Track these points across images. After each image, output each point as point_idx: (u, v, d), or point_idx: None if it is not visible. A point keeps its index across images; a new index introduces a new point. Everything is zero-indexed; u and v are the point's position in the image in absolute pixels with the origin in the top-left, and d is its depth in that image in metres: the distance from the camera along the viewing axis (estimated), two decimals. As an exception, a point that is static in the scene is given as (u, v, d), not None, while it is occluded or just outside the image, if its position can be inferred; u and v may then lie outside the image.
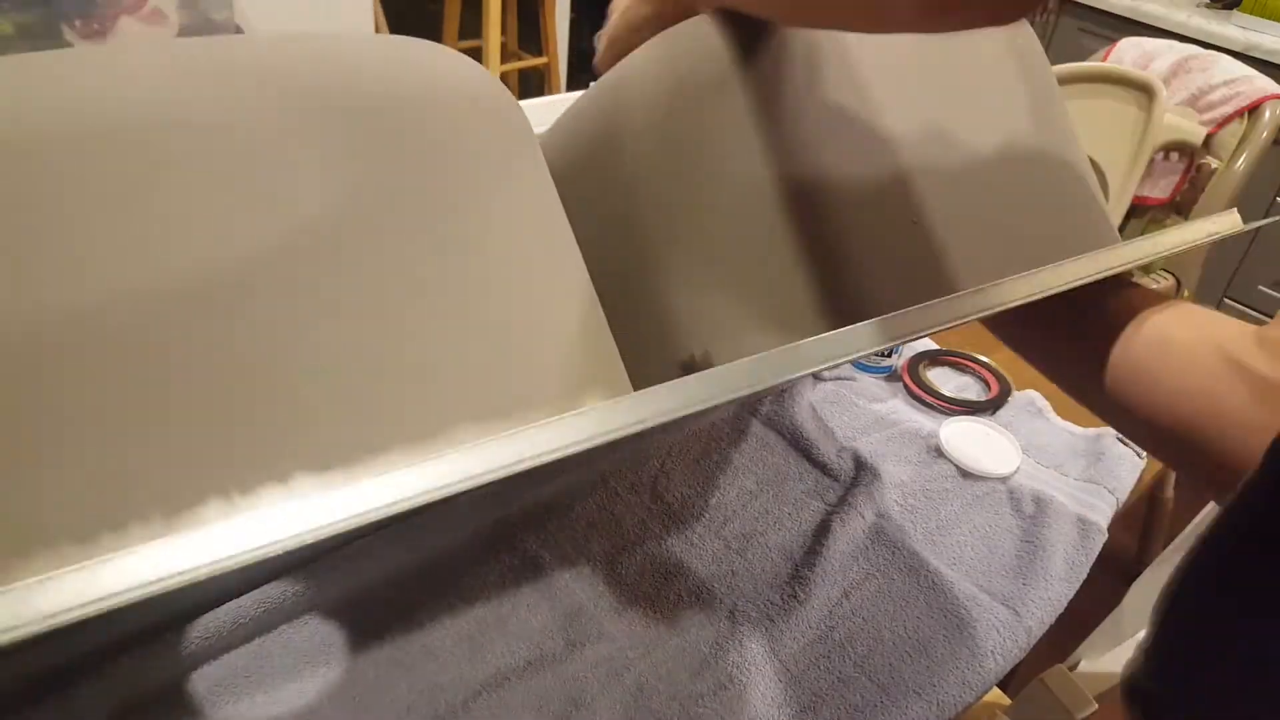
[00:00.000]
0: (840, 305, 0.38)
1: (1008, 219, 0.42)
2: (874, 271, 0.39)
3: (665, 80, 0.41)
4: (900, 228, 0.39)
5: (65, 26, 0.84)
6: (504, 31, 2.17)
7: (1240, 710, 0.26)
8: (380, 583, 0.57)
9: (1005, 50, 0.45)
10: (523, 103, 0.51)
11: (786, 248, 0.38)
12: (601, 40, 0.45)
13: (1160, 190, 1.05)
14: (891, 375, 0.83)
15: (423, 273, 0.28)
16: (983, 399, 0.80)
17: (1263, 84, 1.06)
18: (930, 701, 0.52)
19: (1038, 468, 0.72)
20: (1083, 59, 1.10)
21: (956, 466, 0.71)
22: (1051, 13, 2.03)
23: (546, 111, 0.49)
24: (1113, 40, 1.17)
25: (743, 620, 0.56)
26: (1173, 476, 1.26)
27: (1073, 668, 0.62)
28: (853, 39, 0.40)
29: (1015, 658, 0.56)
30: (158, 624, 0.51)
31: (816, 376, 0.82)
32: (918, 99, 0.41)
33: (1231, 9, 1.84)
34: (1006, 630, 0.56)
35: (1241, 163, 1.04)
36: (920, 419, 0.77)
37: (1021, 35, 0.46)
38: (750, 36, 0.39)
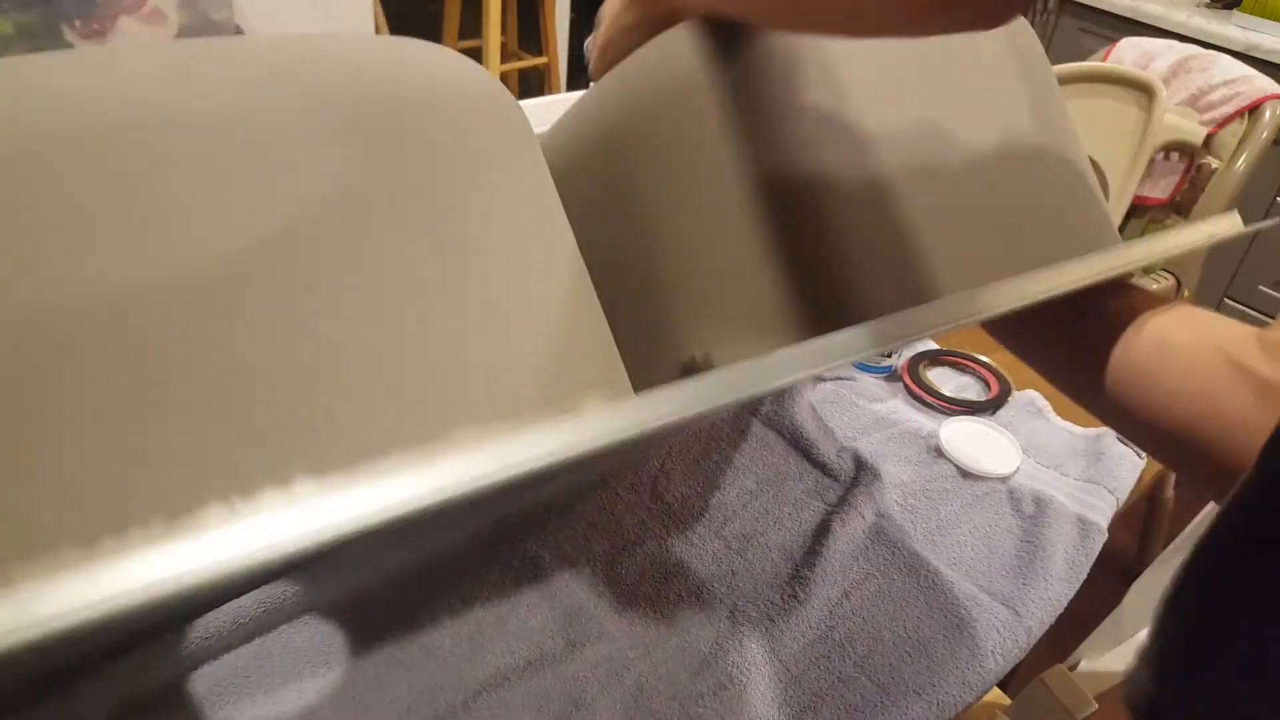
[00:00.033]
0: (841, 306, 0.38)
1: (1009, 219, 0.42)
2: (875, 272, 0.39)
3: (663, 83, 0.41)
4: (901, 228, 0.39)
5: (65, 26, 0.84)
6: (504, 31, 2.17)
7: (1240, 710, 0.26)
8: (380, 583, 0.57)
9: (1005, 50, 0.45)
10: (523, 103, 0.52)
11: (787, 249, 0.38)
12: (593, 48, 0.45)
13: (1160, 190, 1.05)
14: (891, 375, 0.83)
15: (423, 274, 0.28)
16: (983, 399, 0.80)
17: (1263, 84, 1.06)
18: (930, 701, 0.52)
19: (1038, 468, 0.72)
20: (1083, 59, 1.10)
21: (956, 466, 0.71)
22: (1051, 13, 2.03)
23: (546, 111, 0.49)
24: (1113, 40, 1.17)
25: (743, 620, 0.56)
26: (1173, 476, 1.26)
27: (1073, 668, 0.62)
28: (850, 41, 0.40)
29: (1015, 658, 0.56)
30: (158, 624, 0.51)
31: (817, 376, 0.82)
32: (918, 99, 0.41)
33: (1231, 9, 1.84)
34: (1006, 630, 0.56)
35: (1241, 163, 1.04)
36: (920, 419, 0.77)
37: (1022, 35, 0.46)
38: (734, 41, 0.39)
